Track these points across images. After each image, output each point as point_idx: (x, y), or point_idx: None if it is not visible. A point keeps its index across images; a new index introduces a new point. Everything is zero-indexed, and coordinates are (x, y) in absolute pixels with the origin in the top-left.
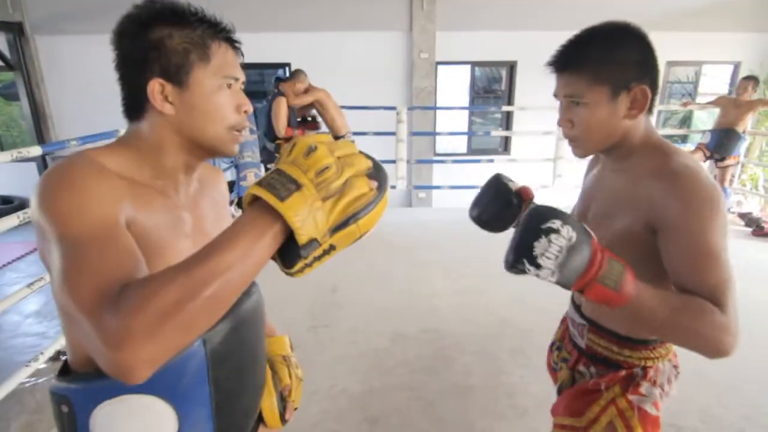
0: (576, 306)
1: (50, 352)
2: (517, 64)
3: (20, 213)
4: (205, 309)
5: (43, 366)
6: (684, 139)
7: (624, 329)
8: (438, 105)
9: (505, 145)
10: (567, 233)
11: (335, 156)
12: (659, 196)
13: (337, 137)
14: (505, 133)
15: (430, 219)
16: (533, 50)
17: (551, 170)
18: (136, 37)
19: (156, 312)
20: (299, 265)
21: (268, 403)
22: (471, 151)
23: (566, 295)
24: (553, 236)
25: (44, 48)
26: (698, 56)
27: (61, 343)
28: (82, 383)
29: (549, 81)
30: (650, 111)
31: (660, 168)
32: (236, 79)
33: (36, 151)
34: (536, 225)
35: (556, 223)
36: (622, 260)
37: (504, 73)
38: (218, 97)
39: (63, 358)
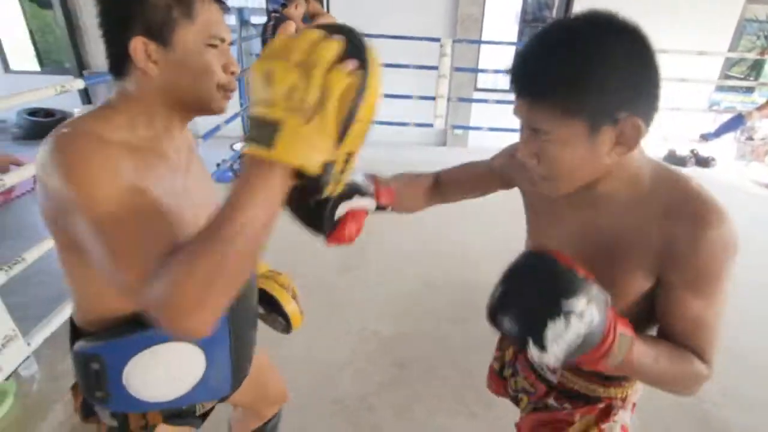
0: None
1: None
2: None
3: None
4: (240, 265)
5: None
6: (749, 90)
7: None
8: (484, 35)
9: None
10: (589, 317)
11: (295, 63)
12: (681, 243)
13: None
14: None
15: (467, 159)
16: None
17: None
18: None
19: (201, 282)
20: (330, 188)
21: (291, 308)
22: None
23: None
24: (574, 320)
25: None
26: None
27: None
28: (113, 340)
29: (613, 5)
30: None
31: (676, 209)
32: (222, 40)
33: (78, 84)
34: (556, 299)
35: (581, 303)
36: (630, 327)
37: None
38: (204, 55)
39: None
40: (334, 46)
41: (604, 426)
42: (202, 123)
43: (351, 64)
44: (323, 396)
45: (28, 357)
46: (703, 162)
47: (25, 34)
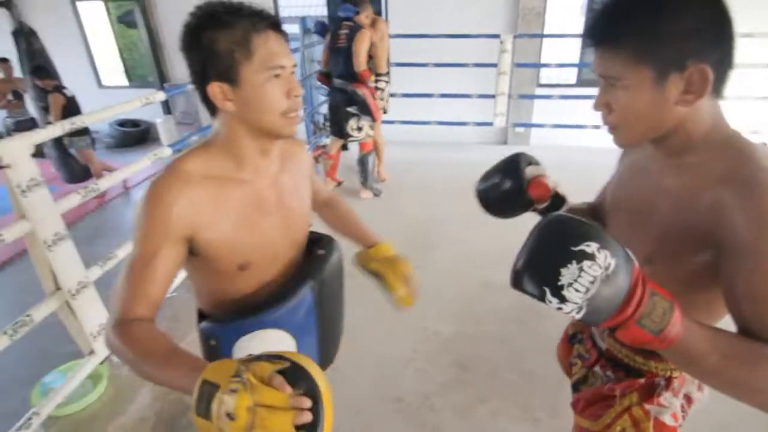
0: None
1: (183, 275)
2: None
3: (151, 154)
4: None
5: (177, 284)
6: None
7: None
8: (546, 30)
9: None
10: (604, 260)
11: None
12: (729, 209)
13: (378, 74)
14: None
15: None
16: None
17: None
18: (192, 48)
19: (122, 358)
20: None
21: (397, 294)
22: (581, 82)
23: None
24: (586, 264)
25: None
26: None
27: None
28: (225, 324)
29: None
30: (718, 94)
31: (732, 173)
32: (282, 68)
33: (160, 96)
34: (565, 245)
35: (591, 246)
36: (669, 294)
37: None
38: (267, 88)
39: None
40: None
41: (649, 407)
42: None
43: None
44: (385, 394)
45: None
46: None
47: (115, 52)
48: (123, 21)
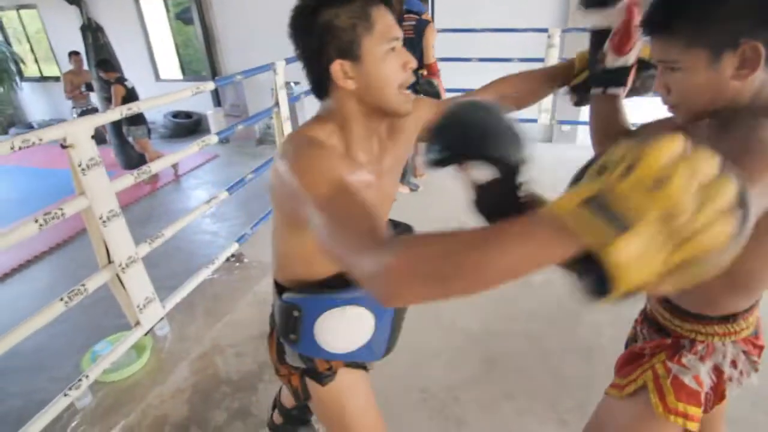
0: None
1: (224, 257)
2: None
3: (199, 141)
4: (462, 285)
5: (218, 266)
6: None
7: (677, 298)
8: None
9: None
10: None
11: (695, 186)
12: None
13: (423, 66)
14: None
15: (574, 156)
16: None
17: None
18: (308, 29)
19: (423, 270)
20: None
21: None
22: None
23: None
24: None
25: None
26: None
27: (231, 250)
28: (313, 296)
29: None
30: None
31: (744, 134)
32: (397, 39)
33: (210, 86)
34: None
35: None
36: None
37: None
38: (387, 61)
39: (231, 260)
40: (733, 189)
41: (671, 365)
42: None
43: (740, 215)
44: (411, 384)
45: (162, 318)
46: None
47: (171, 47)
48: (180, 18)
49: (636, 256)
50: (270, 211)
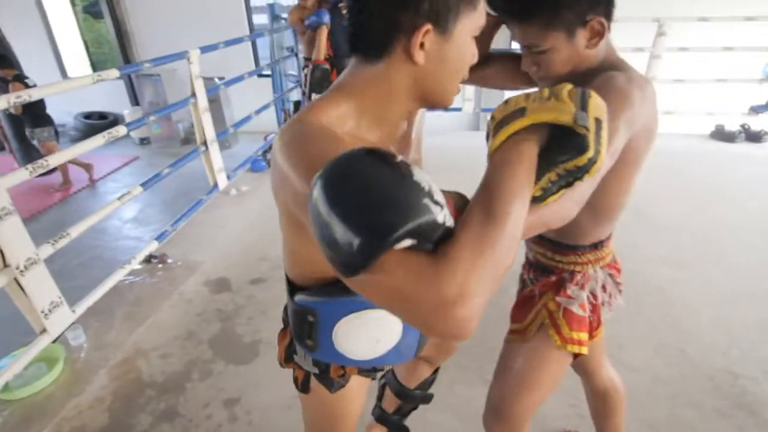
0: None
1: (141, 257)
2: None
3: (105, 133)
4: (509, 245)
5: (138, 267)
6: None
7: (556, 235)
8: None
9: None
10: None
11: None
12: None
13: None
14: None
15: None
16: None
17: None
18: None
19: (482, 266)
20: (592, 149)
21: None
22: None
23: None
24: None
25: None
26: None
27: (150, 249)
28: (330, 299)
29: None
30: (609, 30)
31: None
32: (481, 28)
33: (113, 74)
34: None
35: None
36: None
37: None
38: (471, 47)
39: (154, 261)
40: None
41: (559, 299)
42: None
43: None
44: None
45: (73, 324)
46: (754, 137)
47: (80, 44)
48: (89, 12)
49: (541, 105)
50: (193, 206)
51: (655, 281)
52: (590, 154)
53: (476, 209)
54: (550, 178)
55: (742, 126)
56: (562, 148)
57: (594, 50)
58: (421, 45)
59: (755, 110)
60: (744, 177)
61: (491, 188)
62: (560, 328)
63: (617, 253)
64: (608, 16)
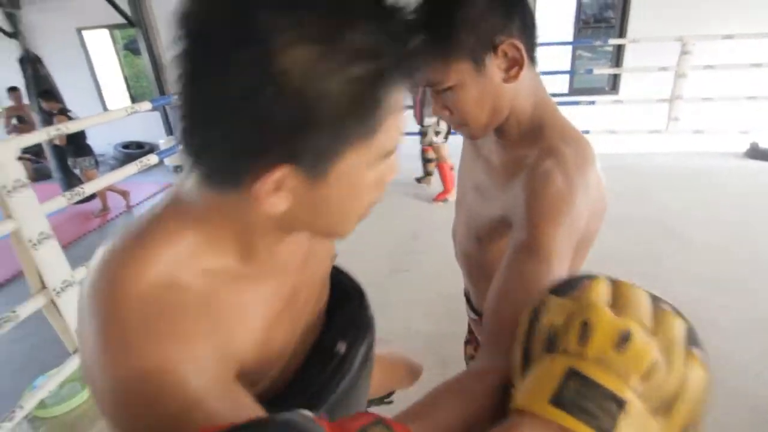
0: (467, 300)
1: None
2: None
3: (137, 161)
4: None
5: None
6: None
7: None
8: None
9: (614, 84)
10: None
11: (652, 332)
12: (521, 194)
13: None
14: (609, 70)
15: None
16: None
17: (666, 112)
18: (249, 65)
19: None
20: None
21: None
22: (573, 90)
23: None
24: None
25: (159, 4)
26: None
27: None
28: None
29: (676, 7)
30: (533, 61)
31: (536, 160)
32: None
33: (146, 106)
34: None
35: None
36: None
37: None
38: (367, 179)
39: None
40: (682, 323)
41: None
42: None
43: (701, 354)
44: None
45: None
46: None
47: (120, 79)
48: (129, 48)
49: (641, 427)
50: None
51: (694, 305)
52: None
53: None
54: None
55: None
56: None
57: (519, 91)
58: (279, 189)
59: None
60: None
61: None
62: None
63: (656, 276)
64: (527, 38)
